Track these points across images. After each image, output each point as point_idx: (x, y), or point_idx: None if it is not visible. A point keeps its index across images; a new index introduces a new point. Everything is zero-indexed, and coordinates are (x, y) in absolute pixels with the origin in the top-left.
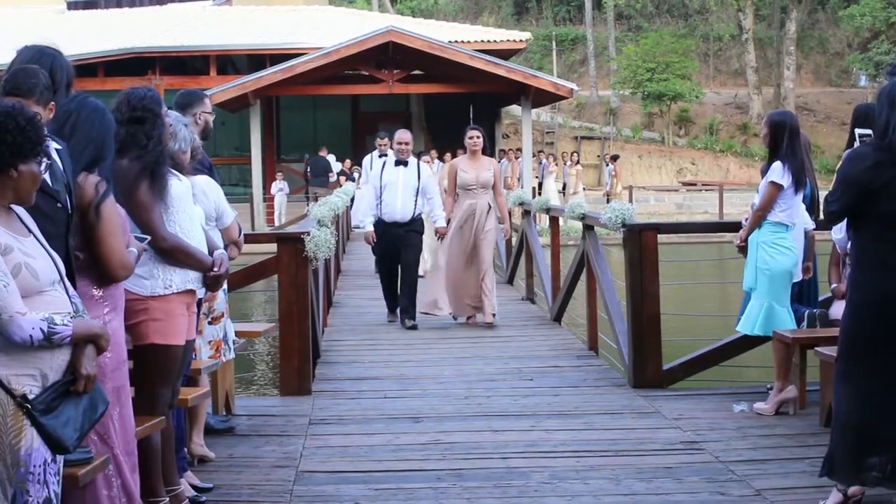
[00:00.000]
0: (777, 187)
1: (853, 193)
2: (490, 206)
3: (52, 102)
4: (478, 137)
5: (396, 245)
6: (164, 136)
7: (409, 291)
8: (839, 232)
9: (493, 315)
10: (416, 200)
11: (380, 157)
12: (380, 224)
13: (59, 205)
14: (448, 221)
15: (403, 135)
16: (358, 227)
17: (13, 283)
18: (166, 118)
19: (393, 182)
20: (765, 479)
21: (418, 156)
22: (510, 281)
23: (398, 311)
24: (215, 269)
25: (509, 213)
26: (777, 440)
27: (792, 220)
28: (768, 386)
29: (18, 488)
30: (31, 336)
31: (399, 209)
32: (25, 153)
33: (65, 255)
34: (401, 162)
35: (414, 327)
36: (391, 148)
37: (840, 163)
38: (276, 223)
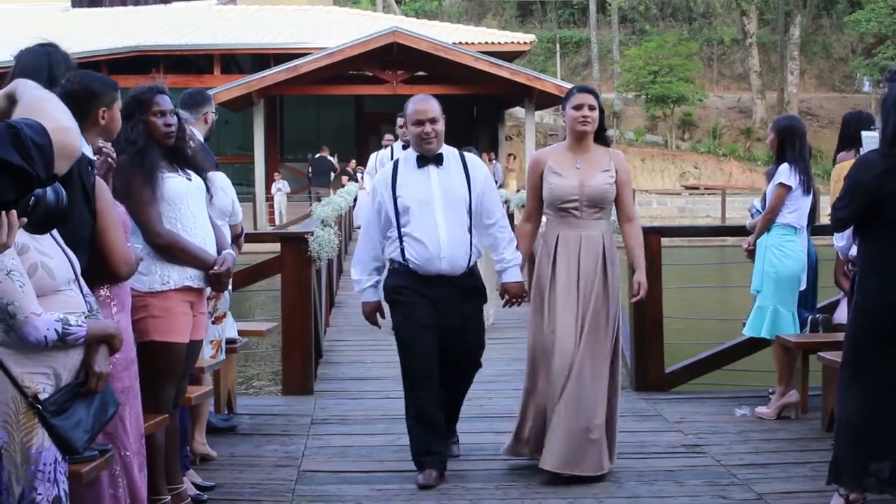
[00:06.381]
0: (786, 188)
1: (861, 200)
2: (607, 243)
3: None
4: (591, 108)
5: (440, 323)
6: (135, 136)
7: (460, 399)
8: (841, 239)
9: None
10: (470, 230)
11: (403, 147)
12: (401, 277)
13: (90, 212)
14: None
15: (425, 104)
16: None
17: (29, 284)
18: (157, 118)
19: (423, 199)
20: (766, 483)
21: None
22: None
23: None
24: (216, 267)
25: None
26: (779, 444)
27: (801, 223)
28: (770, 390)
29: (27, 486)
30: (45, 337)
31: (445, 249)
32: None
33: (89, 253)
34: (427, 159)
35: (454, 456)
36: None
37: (837, 168)
38: (277, 223)
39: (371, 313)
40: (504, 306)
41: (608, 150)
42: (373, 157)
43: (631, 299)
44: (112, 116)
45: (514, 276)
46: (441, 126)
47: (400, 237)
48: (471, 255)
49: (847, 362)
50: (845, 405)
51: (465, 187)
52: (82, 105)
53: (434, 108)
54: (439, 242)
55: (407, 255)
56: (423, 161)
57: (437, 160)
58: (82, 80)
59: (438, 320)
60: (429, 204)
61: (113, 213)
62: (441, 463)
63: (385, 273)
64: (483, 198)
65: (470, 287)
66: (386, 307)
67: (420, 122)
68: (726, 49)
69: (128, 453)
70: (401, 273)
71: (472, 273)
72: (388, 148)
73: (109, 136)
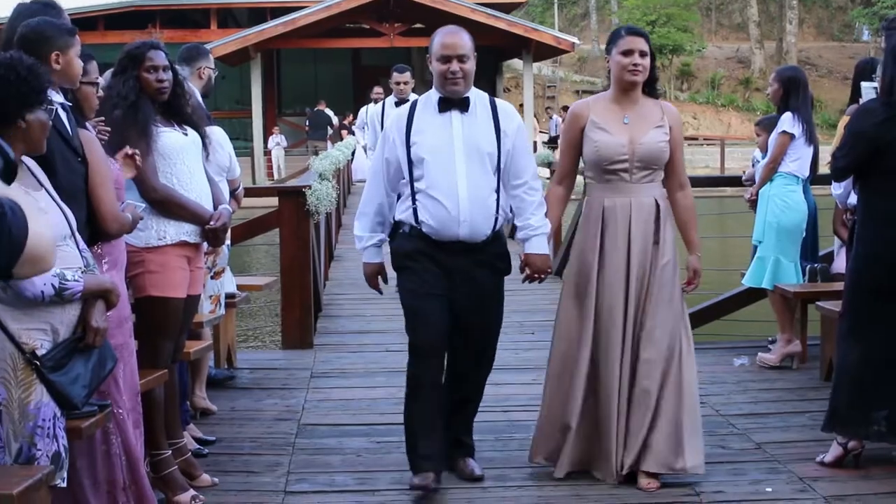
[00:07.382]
0: (788, 137)
1: (861, 149)
2: (661, 211)
3: None
4: (642, 55)
5: (453, 296)
6: (127, 90)
7: (474, 397)
8: (838, 188)
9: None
10: (498, 190)
11: (397, 104)
12: (412, 241)
13: (79, 159)
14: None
15: (455, 38)
16: (360, 182)
17: None
18: (149, 73)
19: (440, 148)
20: (765, 432)
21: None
22: (511, 235)
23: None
24: (212, 222)
25: None
26: (777, 394)
27: (803, 173)
28: (770, 339)
29: (25, 442)
30: (42, 292)
31: (465, 211)
32: (31, 102)
33: (87, 209)
34: (451, 103)
35: (478, 478)
36: (414, 91)
37: (845, 119)
38: (276, 177)
39: (372, 276)
40: (524, 281)
41: (659, 102)
42: (363, 111)
43: (685, 287)
44: (68, 62)
45: (540, 246)
46: (471, 65)
47: (413, 195)
48: (497, 219)
49: (847, 311)
50: (845, 354)
51: (494, 139)
52: (35, 48)
53: (465, 42)
54: (458, 202)
55: (420, 218)
56: (445, 104)
57: (463, 105)
58: (35, 25)
59: (451, 292)
60: (447, 154)
61: (102, 168)
62: (434, 465)
63: (394, 234)
64: (514, 153)
65: (493, 255)
66: (392, 273)
67: (447, 59)
68: None
69: (121, 411)
70: (413, 237)
71: (497, 238)
72: (380, 103)
73: (70, 83)
